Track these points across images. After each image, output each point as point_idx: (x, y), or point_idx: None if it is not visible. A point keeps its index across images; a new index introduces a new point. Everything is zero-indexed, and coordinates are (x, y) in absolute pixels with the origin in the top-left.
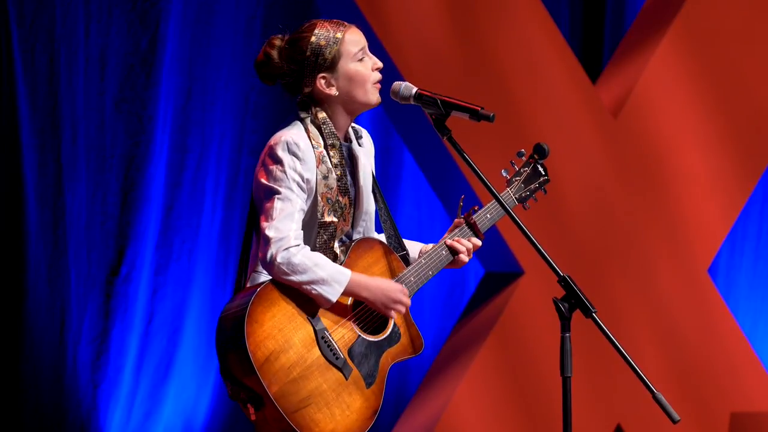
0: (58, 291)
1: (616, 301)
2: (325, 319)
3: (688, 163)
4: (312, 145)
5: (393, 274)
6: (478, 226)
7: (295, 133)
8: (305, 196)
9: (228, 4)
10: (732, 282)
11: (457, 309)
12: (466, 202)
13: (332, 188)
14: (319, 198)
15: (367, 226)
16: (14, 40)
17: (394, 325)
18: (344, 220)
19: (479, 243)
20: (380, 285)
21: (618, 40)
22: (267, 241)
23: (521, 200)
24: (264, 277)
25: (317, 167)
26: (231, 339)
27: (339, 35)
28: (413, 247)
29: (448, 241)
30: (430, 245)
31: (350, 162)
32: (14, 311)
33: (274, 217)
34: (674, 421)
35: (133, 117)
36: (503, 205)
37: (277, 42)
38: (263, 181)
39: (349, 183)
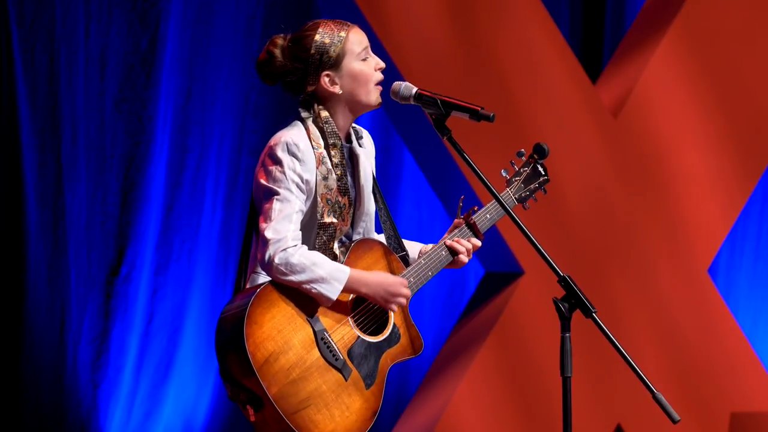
0: (58, 291)
1: (616, 301)
2: (325, 320)
3: (688, 163)
4: (312, 145)
5: (393, 275)
6: (478, 226)
7: (295, 133)
8: (304, 197)
9: (228, 4)
10: (732, 282)
11: (457, 309)
12: (466, 202)
13: (332, 189)
14: (319, 199)
15: (366, 226)
16: (14, 40)
17: (394, 325)
18: (344, 221)
19: (479, 243)
20: (379, 279)
21: (618, 40)
22: (265, 242)
23: (521, 200)
24: (263, 277)
25: (317, 168)
26: (230, 340)
27: (343, 34)
28: (413, 248)
29: (448, 242)
30: (430, 246)
31: (351, 162)
32: (14, 311)
33: (272, 218)
34: (674, 421)
35: (133, 117)
36: (503, 205)
37: (280, 41)
38: (262, 181)
39: (349, 183)
